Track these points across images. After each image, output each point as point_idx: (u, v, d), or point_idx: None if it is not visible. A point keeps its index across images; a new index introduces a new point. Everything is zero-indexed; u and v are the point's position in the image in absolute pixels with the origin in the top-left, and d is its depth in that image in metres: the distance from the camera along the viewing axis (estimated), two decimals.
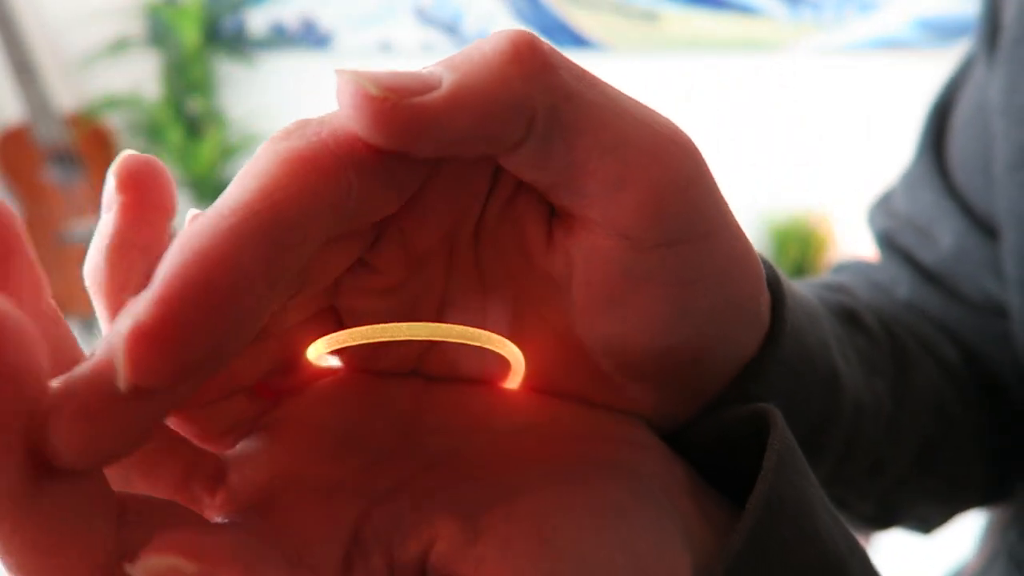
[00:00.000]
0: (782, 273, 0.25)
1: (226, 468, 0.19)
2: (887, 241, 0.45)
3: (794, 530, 0.18)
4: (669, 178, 0.17)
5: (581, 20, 2.06)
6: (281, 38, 2.22)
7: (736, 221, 0.20)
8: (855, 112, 2.07)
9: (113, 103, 2.17)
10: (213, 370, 0.13)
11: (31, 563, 0.13)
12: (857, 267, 0.47)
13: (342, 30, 2.18)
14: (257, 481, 0.18)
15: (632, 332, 0.19)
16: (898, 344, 0.37)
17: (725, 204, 0.19)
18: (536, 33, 0.16)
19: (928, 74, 1.95)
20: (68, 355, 0.16)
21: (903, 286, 0.43)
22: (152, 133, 2.18)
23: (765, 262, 0.24)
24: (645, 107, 0.18)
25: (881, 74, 2.03)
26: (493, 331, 0.20)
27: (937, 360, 0.40)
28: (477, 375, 0.22)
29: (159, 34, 2.18)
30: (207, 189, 2.19)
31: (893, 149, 1.96)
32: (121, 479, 0.17)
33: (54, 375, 0.13)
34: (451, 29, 2.11)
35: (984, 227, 0.40)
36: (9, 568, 0.13)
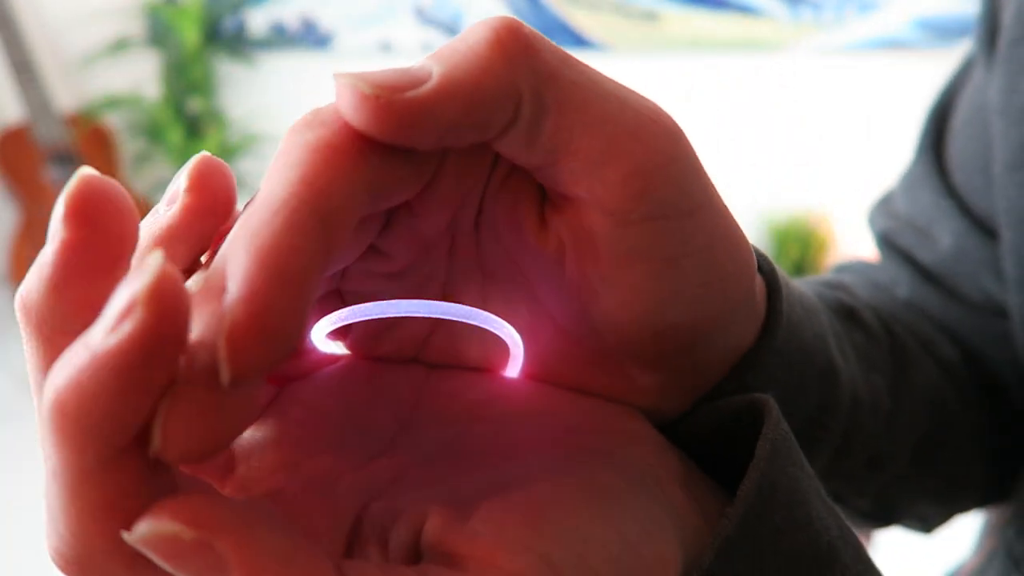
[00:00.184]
0: (779, 267, 0.25)
1: (235, 459, 0.19)
2: (887, 241, 0.45)
3: (786, 517, 0.19)
4: (651, 155, 0.18)
5: (581, 20, 2.06)
6: (281, 38, 2.22)
7: (722, 202, 0.20)
8: (855, 112, 2.08)
9: (113, 103, 2.17)
10: (293, 350, 0.14)
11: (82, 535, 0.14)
12: (857, 267, 0.47)
13: (342, 30, 2.18)
14: (263, 473, 0.19)
15: (625, 310, 0.19)
16: (897, 342, 0.37)
17: (710, 184, 0.20)
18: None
19: (928, 74, 1.95)
20: None
21: (903, 286, 0.43)
22: (152, 133, 2.18)
23: (760, 254, 0.25)
24: (628, 89, 0.18)
25: (881, 74, 2.03)
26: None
27: (936, 359, 0.40)
28: (478, 363, 0.22)
29: (159, 34, 2.18)
30: None
31: (893, 149, 1.96)
32: None
33: None
34: (451, 29, 2.11)
35: (983, 227, 0.40)
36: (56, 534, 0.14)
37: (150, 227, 0.17)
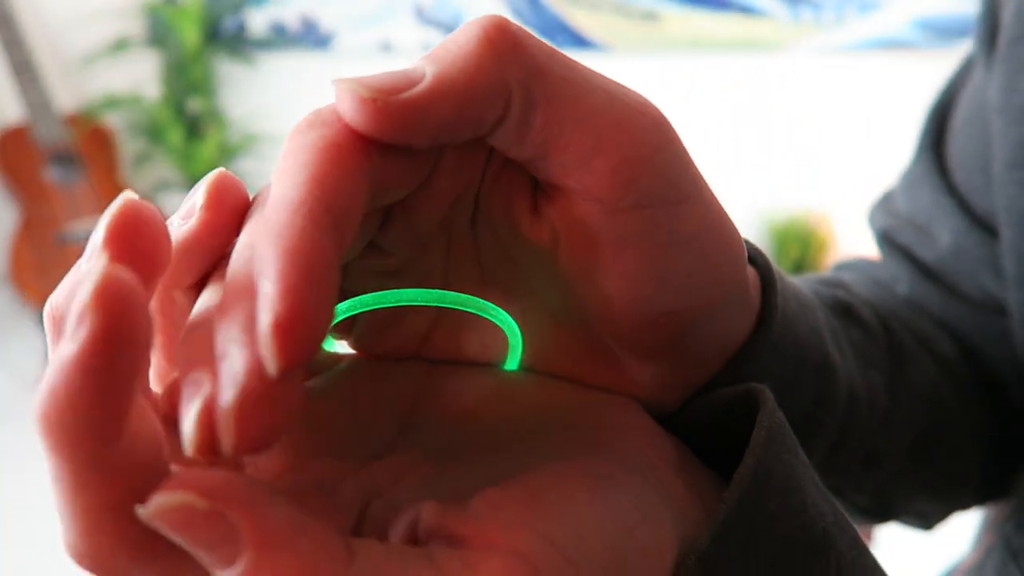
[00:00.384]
0: (774, 263, 0.25)
1: (242, 462, 0.19)
2: (887, 239, 0.45)
3: (781, 503, 0.19)
4: (638, 146, 0.18)
5: (581, 20, 2.06)
6: (281, 38, 2.22)
7: (711, 193, 0.21)
8: (855, 112, 2.08)
9: (113, 103, 2.17)
10: (323, 340, 0.15)
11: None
12: (858, 265, 0.47)
13: (342, 30, 2.18)
14: (268, 475, 0.19)
15: (617, 298, 0.20)
16: (895, 339, 0.37)
17: (698, 174, 0.20)
18: (535, 33, 0.18)
19: (928, 74, 1.95)
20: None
21: (903, 283, 0.44)
22: (152, 133, 2.18)
23: (753, 248, 0.25)
24: (615, 82, 0.19)
25: (881, 74, 2.03)
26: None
27: (935, 356, 0.40)
28: (477, 357, 0.23)
29: (159, 34, 2.19)
30: None
31: (893, 149, 1.96)
32: None
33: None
34: (451, 29, 2.11)
35: (983, 225, 0.40)
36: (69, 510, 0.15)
37: (71, 288, 0.17)
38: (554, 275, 0.20)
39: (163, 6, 2.11)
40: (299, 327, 0.14)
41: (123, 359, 0.14)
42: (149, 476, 0.15)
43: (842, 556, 0.20)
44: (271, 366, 0.14)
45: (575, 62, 0.19)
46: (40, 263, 2.09)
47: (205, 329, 0.16)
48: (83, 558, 0.15)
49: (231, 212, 0.18)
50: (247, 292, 0.15)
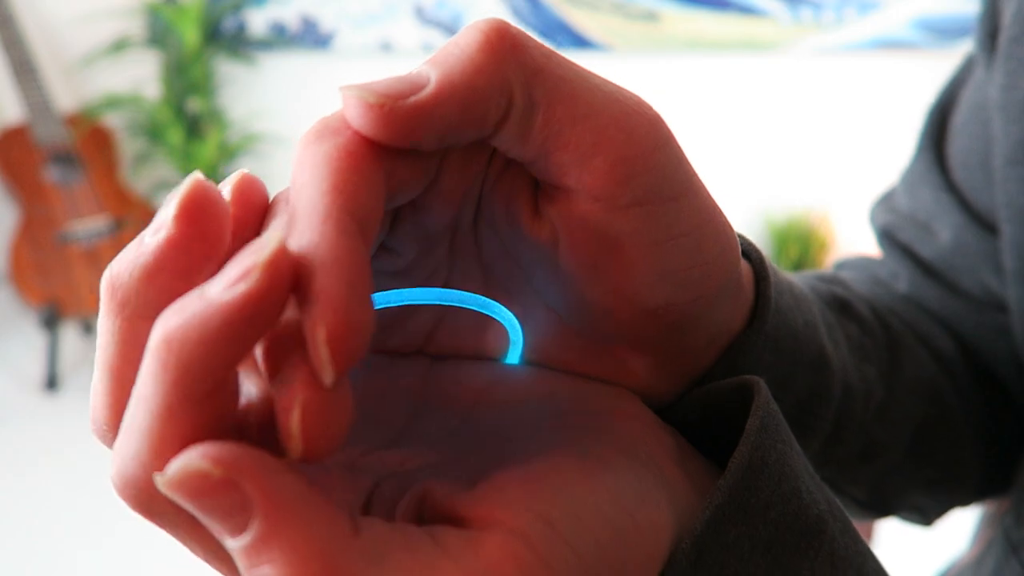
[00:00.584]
0: (767, 258, 0.26)
1: None
2: (887, 236, 0.45)
3: (775, 489, 0.20)
4: (636, 144, 0.19)
5: (581, 20, 2.06)
6: (281, 38, 2.22)
7: (706, 189, 0.21)
8: (855, 112, 2.08)
9: (113, 103, 2.17)
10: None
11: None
12: (858, 262, 0.47)
13: (342, 30, 2.18)
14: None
15: (616, 293, 0.21)
16: (892, 334, 0.37)
17: (693, 171, 0.21)
18: (535, 34, 0.17)
19: (928, 74, 1.95)
20: None
21: (903, 280, 0.44)
22: (152, 133, 2.19)
23: (747, 242, 0.26)
24: (611, 82, 0.20)
25: (881, 74, 2.03)
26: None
27: (932, 351, 0.40)
28: (479, 352, 0.23)
29: (159, 34, 2.19)
30: None
31: (892, 149, 1.96)
32: None
33: None
34: (451, 29, 2.11)
35: (983, 222, 0.41)
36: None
37: (136, 260, 0.17)
38: (554, 272, 0.21)
39: (163, 6, 2.11)
40: (350, 335, 0.15)
41: (261, 320, 0.15)
42: (223, 428, 0.16)
43: (835, 542, 0.21)
44: (327, 376, 0.15)
45: (573, 63, 0.19)
46: (40, 263, 2.09)
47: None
48: (128, 487, 0.16)
49: (204, 226, 0.18)
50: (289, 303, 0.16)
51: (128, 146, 2.26)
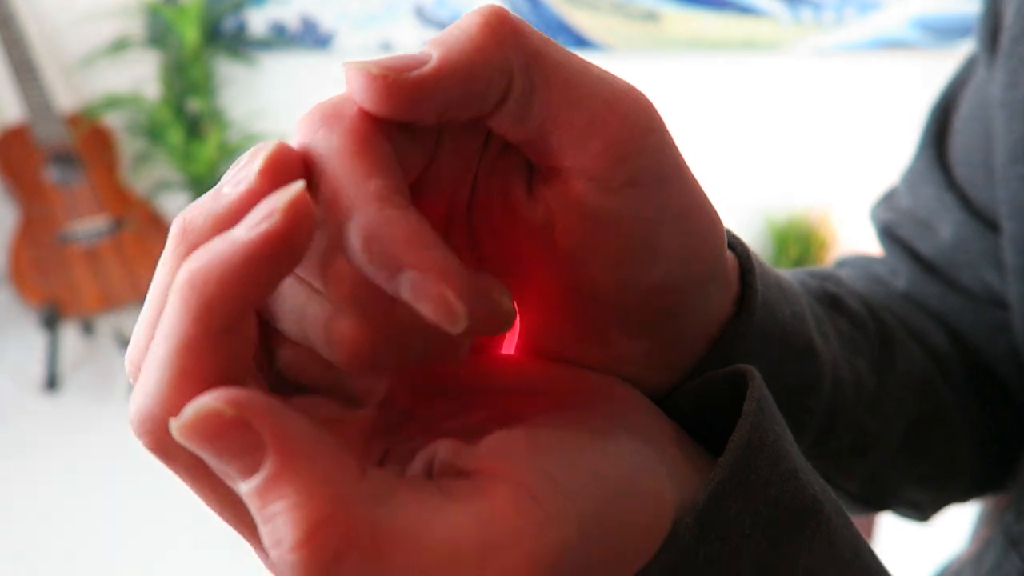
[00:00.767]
0: (753, 251, 0.27)
1: None
2: (888, 233, 0.45)
3: (773, 469, 0.21)
4: (629, 127, 0.20)
5: (581, 20, 2.06)
6: (281, 38, 2.22)
7: (694, 176, 0.22)
8: (855, 112, 2.08)
9: (113, 103, 2.17)
10: None
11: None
12: (857, 260, 0.48)
13: (342, 30, 2.18)
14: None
15: (610, 275, 0.21)
16: (885, 330, 0.38)
17: (681, 158, 0.21)
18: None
19: (928, 74, 1.95)
20: None
21: (902, 277, 0.44)
22: (152, 133, 2.18)
23: (731, 234, 0.26)
24: (605, 70, 0.21)
25: (881, 74, 2.03)
26: None
27: (927, 348, 0.40)
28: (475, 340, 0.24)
29: (159, 34, 2.18)
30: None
31: (893, 149, 1.96)
32: None
33: None
34: None
35: (984, 220, 0.41)
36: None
37: (211, 208, 0.18)
38: (548, 256, 0.22)
39: (163, 6, 2.11)
40: (455, 285, 0.17)
41: (284, 259, 0.16)
42: (239, 370, 0.17)
43: (831, 522, 0.21)
44: (460, 323, 0.17)
45: (569, 51, 0.20)
46: (40, 263, 2.09)
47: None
48: (145, 421, 0.17)
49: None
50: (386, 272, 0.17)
51: (128, 146, 2.26)
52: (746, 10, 2.00)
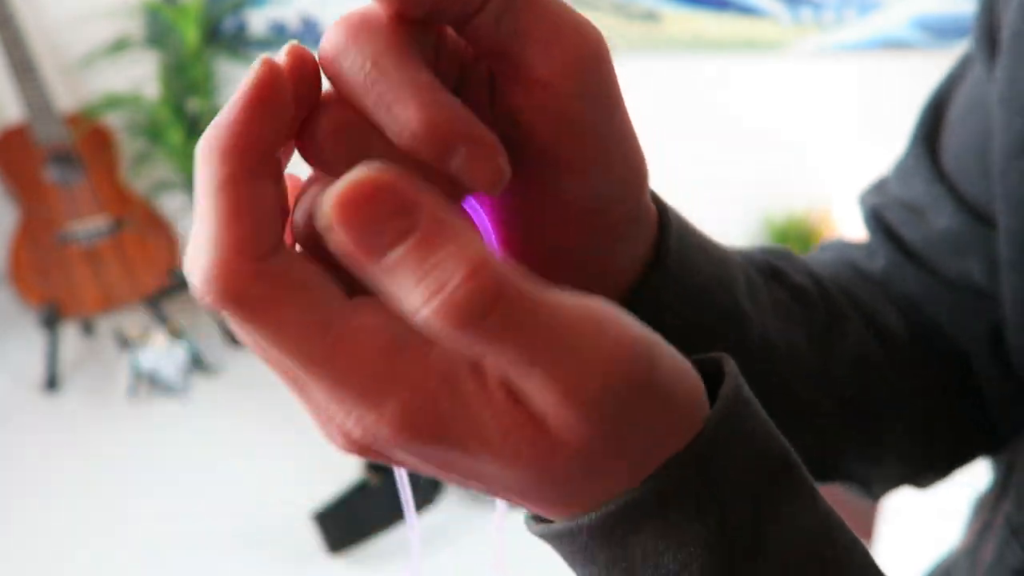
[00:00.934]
0: (675, 212, 0.30)
1: None
2: (875, 216, 0.46)
3: (760, 421, 0.24)
4: (588, 45, 0.23)
5: None
6: (281, 38, 2.22)
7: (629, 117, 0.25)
8: (855, 112, 2.08)
9: (113, 103, 2.17)
10: None
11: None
12: (836, 244, 0.48)
13: None
14: None
15: (569, 175, 0.24)
16: (832, 307, 0.38)
17: (623, 96, 0.25)
18: None
19: (928, 74, 1.94)
20: None
21: (880, 258, 0.45)
22: (152, 133, 2.18)
23: (653, 193, 0.29)
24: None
25: (881, 74, 2.03)
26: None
27: (876, 327, 0.41)
28: None
29: (159, 34, 2.18)
30: None
31: (893, 149, 1.96)
32: None
33: None
34: None
35: (975, 213, 0.41)
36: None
37: (226, 111, 0.21)
38: (518, 161, 0.24)
39: (163, 6, 2.11)
40: (504, 156, 0.21)
41: (272, 103, 0.20)
42: (273, 211, 0.20)
43: (807, 480, 0.24)
44: (501, 186, 0.21)
45: None
46: (40, 263, 2.09)
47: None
48: (212, 278, 0.19)
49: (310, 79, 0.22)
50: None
51: (128, 146, 2.26)
52: (746, 10, 2.00)
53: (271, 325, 0.19)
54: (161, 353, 2.08)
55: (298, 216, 0.22)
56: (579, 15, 0.23)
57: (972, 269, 0.42)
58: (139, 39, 2.21)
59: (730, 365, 0.24)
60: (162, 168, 2.26)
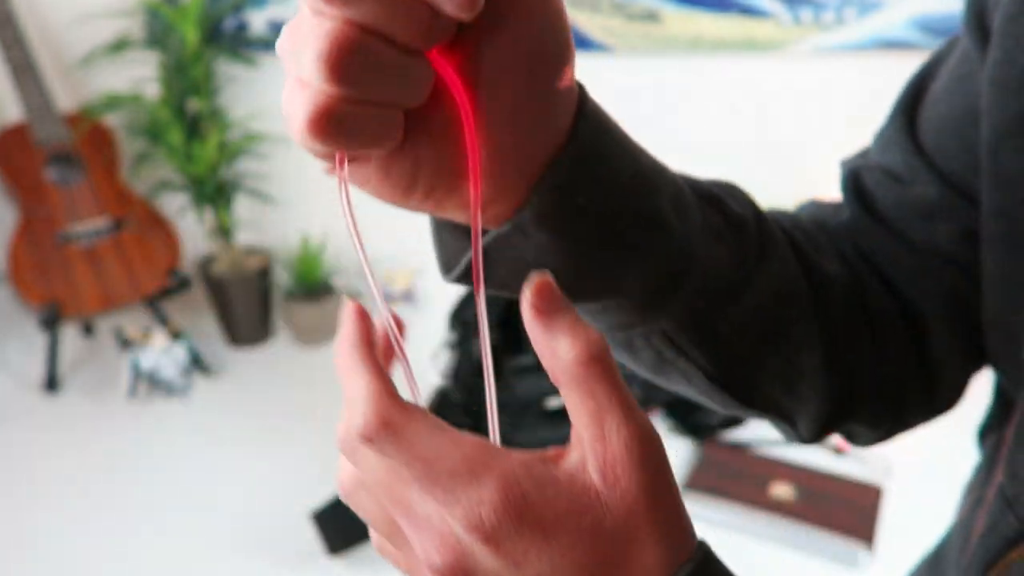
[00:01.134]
0: (599, 107, 0.33)
1: None
2: (853, 176, 0.48)
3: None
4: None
5: (581, 20, 2.06)
6: None
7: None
8: (855, 112, 2.08)
9: (113, 103, 2.17)
10: None
11: None
12: (811, 203, 0.50)
13: None
14: None
15: (516, 14, 0.28)
16: (767, 239, 0.40)
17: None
18: None
19: None
20: None
21: (846, 212, 0.47)
22: (152, 133, 2.18)
23: (583, 89, 0.32)
24: None
25: (881, 74, 2.03)
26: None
27: (811, 268, 0.42)
28: None
29: (159, 34, 2.18)
30: (207, 189, 2.19)
31: None
32: None
33: None
34: None
35: (949, 183, 0.43)
36: None
37: None
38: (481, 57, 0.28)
39: (163, 6, 2.11)
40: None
41: None
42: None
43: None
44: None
45: None
46: (40, 263, 2.09)
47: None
48: (379, 414, 0.26)
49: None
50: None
51: (128, 146, 2.26)
52: (746, 10, 2.00)
53: (409, 438, 0.26)
54: (161, 353, 2.08)
55: None
56: None
57: (940, 235, 0.44)
58: (139, 39, 2.21)
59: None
60: (162, 168, 2.26)
